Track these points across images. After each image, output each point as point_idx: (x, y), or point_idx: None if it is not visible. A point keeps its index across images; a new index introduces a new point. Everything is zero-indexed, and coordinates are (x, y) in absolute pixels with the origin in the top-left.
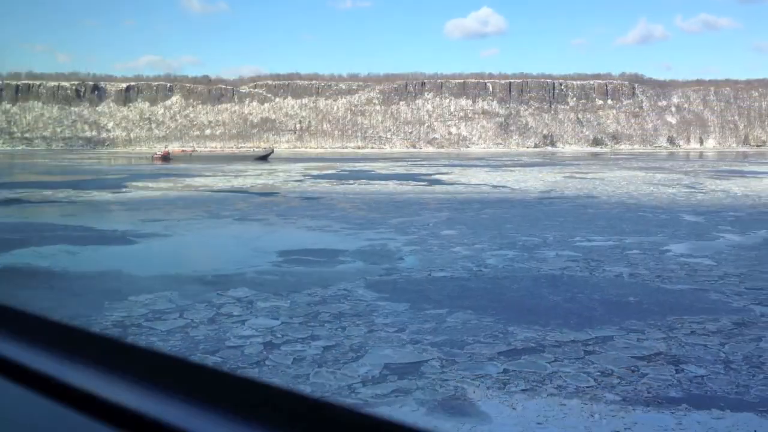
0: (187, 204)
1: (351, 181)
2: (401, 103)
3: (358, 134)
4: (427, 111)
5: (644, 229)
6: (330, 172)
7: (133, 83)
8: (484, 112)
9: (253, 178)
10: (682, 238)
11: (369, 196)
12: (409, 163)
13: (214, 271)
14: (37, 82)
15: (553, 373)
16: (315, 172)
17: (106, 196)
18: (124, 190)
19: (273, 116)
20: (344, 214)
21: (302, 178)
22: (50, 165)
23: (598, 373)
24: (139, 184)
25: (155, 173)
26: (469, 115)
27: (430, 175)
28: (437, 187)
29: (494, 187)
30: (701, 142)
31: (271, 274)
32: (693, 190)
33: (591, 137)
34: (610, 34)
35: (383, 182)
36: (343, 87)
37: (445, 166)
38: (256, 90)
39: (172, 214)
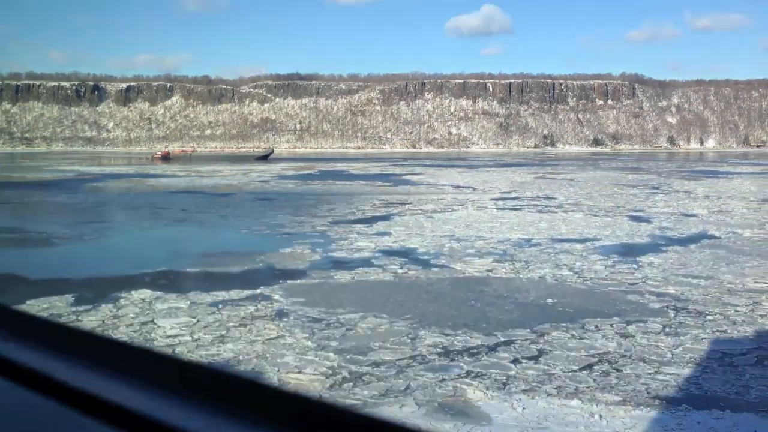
0: (136, 205)
1: (317, 182)
2: (401, 103)
3: (358, 134)
4: (427, 111)
5: (579, 230)
6: (306, 172)
7: (133, 83)
8: (485, 113)
9: (225, 178)
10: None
11: (325, 197)
12: (392, 163)
13: (118, 273)
14: (37, 83)
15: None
16: (291, 173)
17: (59, 197)
18: (83, 191)
19: (273, 116)
20: (287, 216)
21: (271, 178)
22: (26, 167)
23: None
24: (100, 185)
25: (129, 173)
26: (469, 116)
27: (402, 175)
28: (400, 188)
29: (458, 187)
30: (701, 142)
31: (166, 277)
32: (656, 191)
33: (591, 137)
34: (617, 33)
35: (349, 182)
36: (343, 87)
37: (424, 166)
38: (256, 90)
39: (114, 216)
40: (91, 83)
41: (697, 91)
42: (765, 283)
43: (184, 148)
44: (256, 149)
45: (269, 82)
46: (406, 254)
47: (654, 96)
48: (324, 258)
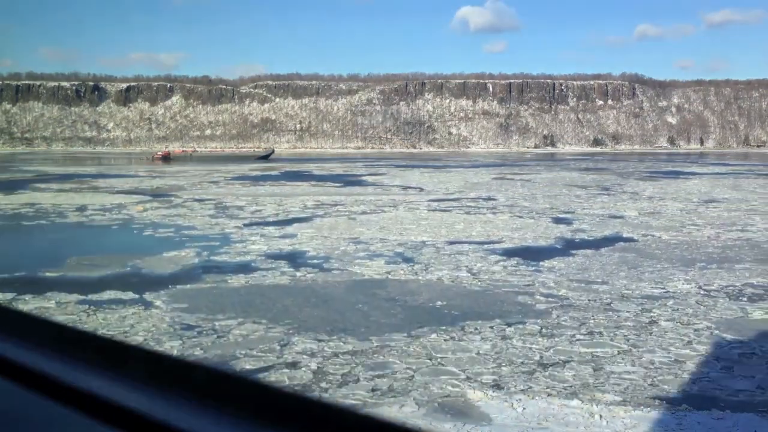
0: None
1: (266, 183)
2: (401, 103)
3: (359, 135)
4: (428, 111)
5: (495, 232)
6: (270, 173)
7: (133, 83)
8: (485, 113)
9: (179, 178)
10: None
11: (261, 198)
12: (365, 164)
13: None
14: (37, 83)
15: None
16: (255, 174)
17: None
18: (17, 192)
19: (273, 116)
20: (204, 218)
21: (222, 179)
22: None
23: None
24: (43, 185)
25: (85, 174)
26: (470, 116)
27: (361, 176)
28: (346, 189)
29: (404, 188)
30: (701, 142)
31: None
32: (604, 191)
33: (591, 138)
34: (625, 28)
35: (299, 183)
36: (343, 87)
37: (394, 167)
38: (256, 90)
39: (18, 219)
40: (91, 83)
41: (697, 91)
42: (661, 289)
43: (184, 149)
44: (256, 149)
45: (269, 82)
46: (309, 257)
47: (654, 96)
48: (221, 261)
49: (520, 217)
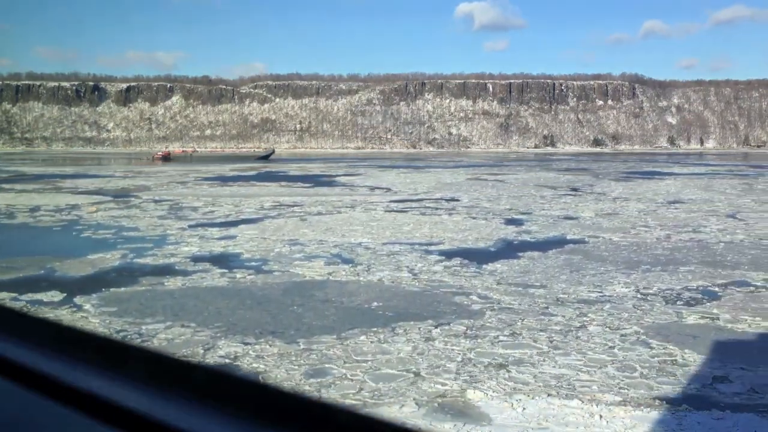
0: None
1: (236, 184)
2: (401, 103)
3: (359, 135)
4: (428, 111)
5: (445, 234)
6: (248, 173)
7: (133, 83)
8: (485, 113)
9: (149, 178)
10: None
11: (221, 198)
12: (349, 164)
13: None
14: (37, 83)
15: None
16: (233, 174)
17: None
18: None
19: (273, 117)
20: (151, 219)
21: (194, 179)
22: None
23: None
24: (7, 186)
25: (62, 174)
26: (470, 116)
27: (336, 176)
28: (313, 189)
29: (372, 189)
30: (701, 142)
31: None
32: (572, 192)
33: (591, 138)
34: (631, 25)
35: (268, 183)
36: (344, 87)
37: (375, 167)
38: (256, 90)
39: None
40: (91, 83)
41: (697, 91)
42: (599, 292)
43: (184, 149)
44: (256, 149)
45: (269, 82)
46: (243, 259)
47: (654, 96)
48: (151, 263)
49: (474, 218)
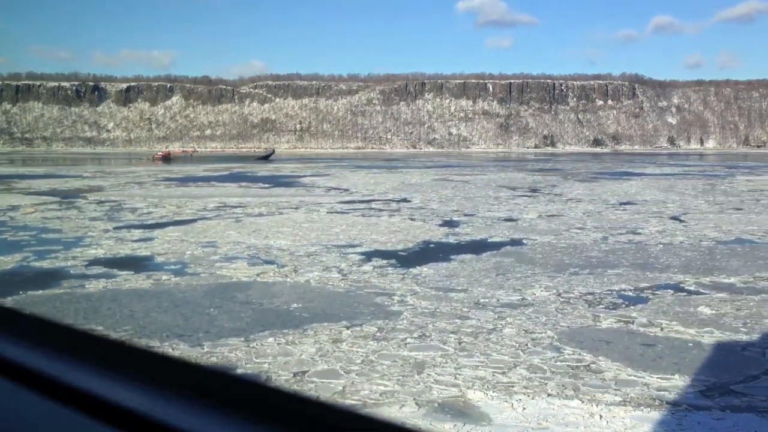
0: None
1: (195, 184)
2: (401, 103)
3: (359, 135)
4: (428, 111)
5: (375, 236)
6: (219, 173)
7: (133, 83)
8: (485, 113)
9: (109, 179)
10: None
11: (166, 199)
12: (328, 164)
13: None
14: (37, 83)
15: None
16: (203, 174)
17: None
18: None
19: (273, 117)
20: (83, 221)
21: (155, 179)
22: None
23: None
24: None
25: (29, 174)
26: (470, 116)
27: (300, 177)
28: (267, 190)
29: (329, 189)
30: (701, 142)
31: None
32: (532, 193)
33: (591, 138)
34: (640, 23)
35: (228, 184)
36: (344, 87)
37: (349, 167)
38: (256, 90)
39: None
40: (91, 83)
41: (697, 91)
42: (520, 296)
43: (184, 149)
44: (256, 149)
45: (269, 82)
46: (157, 261)
47: (654, 96)
48: (53, 265)
49: (413, 220)
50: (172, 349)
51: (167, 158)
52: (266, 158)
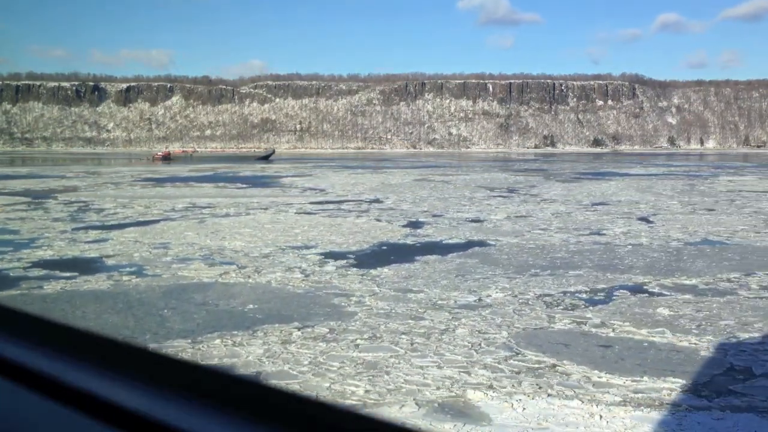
0: None
1: (171, 185)
2: (401, 103)
3: (359, 135)
4: (428, 111)
5: (337, 237)
6: (203, 174)
7: (133, 84)
8: (485, 113)
9: (86, 180)
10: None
11: (137, 200)
12: (315, 165)
13: None
14: (37, 83)
15: None
16: (185, 175)
17: None
18: None
19: (273, 117)
20: (44, 221)
21: (132, 179)
22: None
23: None
24: None
25: (11, 174)
26: (470, 116)
27: (280, 177)
28: (242, 191)
29: (305, 190)
30: (701, 142)
31: None
32: (509, 193)
33: (591, 138)
34: (645, 21)
35: (204, 185)
36: (344, 87)
37: (334, 168)
38: (256, 90)
39: None
40: (91, 83)
41: (697, 91)
42: (475, 298)
43: (184, 149)
44: (257, 150)
45: (269, 82)
46: (119, 264)
47: (654, 96)
48: (13, 266)
49: (379, 220)
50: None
51: (167, 158)
52: (266, 158)
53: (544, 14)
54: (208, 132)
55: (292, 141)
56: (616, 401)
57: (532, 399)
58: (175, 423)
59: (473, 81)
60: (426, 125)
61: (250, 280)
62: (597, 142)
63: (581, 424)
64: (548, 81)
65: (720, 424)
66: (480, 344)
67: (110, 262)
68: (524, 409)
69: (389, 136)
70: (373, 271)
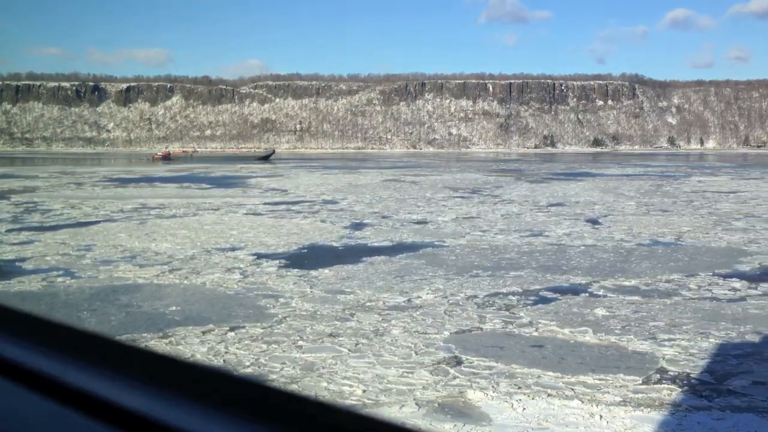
0: None
1: (138, 185)
2: (401, 103)
3: (359, 135)
4: (428, 111)
5: (270, 239)
6: (179, 174)
7: (133, 84)
8: (485, 113)
9: (50, 181)
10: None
11: (91, 200)
12: (296, 165)
13: None
14: (37, 83)
15: None
16: (160, 175)
17: None
18: None
19: (273, 117)
20: None
21: (95, 180)
22: None
23: None
24: None
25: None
26: (470, 116)
27: (249, 178)
28: (205, 191)
29: (266, 191)
30: (701, 142)
31: None
32: (472, 194)
33: (591, 138)
34: (652, 19)
35: (167, 185)
36: (344, 87)
37: (311, 168)
38: (256, 90)
39: None
40: (91, 84)
41: (698, 91)
42: (404, 299)
43: (184, 149)
44: (257, 150)
45: (269, 82)
46: (28, 267)
47: (654, 96)
48: None
49: (323, 221)
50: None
51: (167, 158)
52: (266, 158)
53: (555, 10)
54: (208, 132)
55: (292, 141)
56: (616, 401)
57: (533, 399)
58: (175, 423)
59: (473, 81)
60: (426, 125)
61: (168, 282)
62: (597, 142)
63: (581, 424)
64: (548, 81)
65: (720, 424)
66: (415, 346)
67: (26, 265)
68: (524, 408)
69: (389, 136)
70: (290, 274)
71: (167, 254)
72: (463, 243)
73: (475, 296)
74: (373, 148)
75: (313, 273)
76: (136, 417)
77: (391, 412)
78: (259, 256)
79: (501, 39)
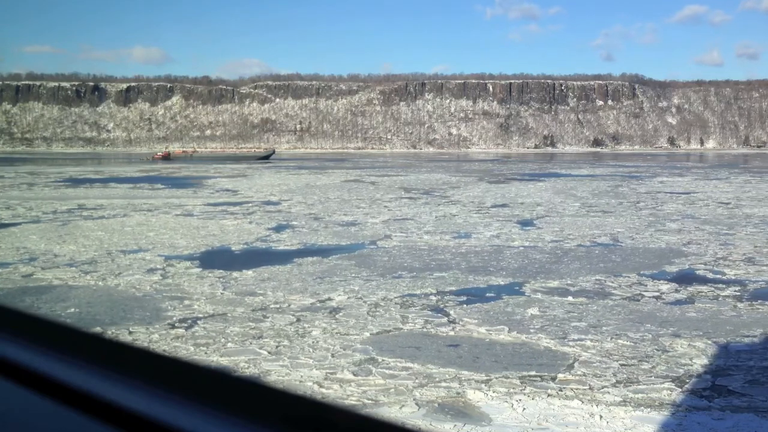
0: None
1: (92, 185)
2: (401, 103)
3: (359, 135)
4: (428, 112)
5: (200, 239)
6: (143, 175)
7: (133, 84)
8: (485, 113)
9: (20, 183)
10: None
11: (29, 203)
12: (276, 166)
13: None
14: (38, 83)
15: None
16: (128, 175)
17: None
18: None
19: (273, 117)
20: None
21: (58, 181)
22: None
23: None
24: None
25: None
26: (470, 116)
27: (213, 178)
28: (154, 192)
29: (219, 191)
30: (702, 142)
31: None
32: (423, 195)
33: (591, 138)
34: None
35: (121, 185)
36: (344, 87)
37: (278, 168)
38: (256, 91)
39: None
40: (92, 84)
41: (698, 91)
42: (320, 302)
43: (184, 149)
44: (257, 150)
45: (269, 82)
46: None
47: (654, 96)
48: None
49: (251, 223)
50: None
51: (167, 158)
52: (266, 158)
53: (566, 6)
54: (208, 132)
55: (292, 141)
56: (616, 401)
57: (533, 399)
58: (175, 423)
59: (473, 81)
60: (426, 125)
61: (66, 284)
62: (597, 142)
63: (581, 424)
64: (548, 81)
65: (720, 424)
66: (335, 348)
67: None
68: (524, 408)
69: (389, 136)
70: (189, 275)
71: (68, 257)
72: (386, 246)
73: (386, 299)
74: (373, 148)
75: (219, 274)
76: (136, 417)
77: (391, 412)
78: (166, 258)
79: (506, 37)
